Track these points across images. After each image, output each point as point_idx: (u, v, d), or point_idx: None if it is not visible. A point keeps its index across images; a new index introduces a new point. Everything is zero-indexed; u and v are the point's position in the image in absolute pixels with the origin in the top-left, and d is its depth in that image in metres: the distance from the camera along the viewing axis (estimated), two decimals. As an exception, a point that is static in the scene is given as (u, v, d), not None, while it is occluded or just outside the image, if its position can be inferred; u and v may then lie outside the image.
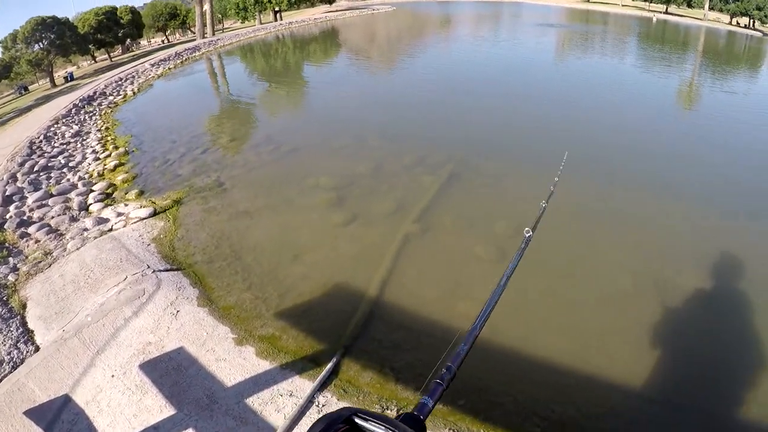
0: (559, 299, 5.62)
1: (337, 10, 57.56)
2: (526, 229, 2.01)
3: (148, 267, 6.09)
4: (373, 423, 0.79)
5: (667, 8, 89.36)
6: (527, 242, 1.93)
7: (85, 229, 7.35)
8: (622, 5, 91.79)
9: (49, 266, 6.47)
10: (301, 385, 4.25)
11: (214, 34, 42.86)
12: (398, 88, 18.01)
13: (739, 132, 12.14)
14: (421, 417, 1.02)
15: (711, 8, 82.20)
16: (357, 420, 0.79)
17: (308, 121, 13.70)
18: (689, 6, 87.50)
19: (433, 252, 6.51)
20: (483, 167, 9.19)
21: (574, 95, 15.78)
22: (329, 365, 4.48)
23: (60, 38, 29.79)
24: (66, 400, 4.22)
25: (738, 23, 77.30)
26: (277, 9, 54.88)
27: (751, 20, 76.07)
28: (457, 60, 23.78)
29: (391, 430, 0.78)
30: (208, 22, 43.43)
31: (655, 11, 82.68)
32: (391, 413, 3.98)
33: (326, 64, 23.86)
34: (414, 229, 6.93)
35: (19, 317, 5.49)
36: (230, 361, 4.54)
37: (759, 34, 63.07)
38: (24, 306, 5.71)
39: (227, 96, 19.10)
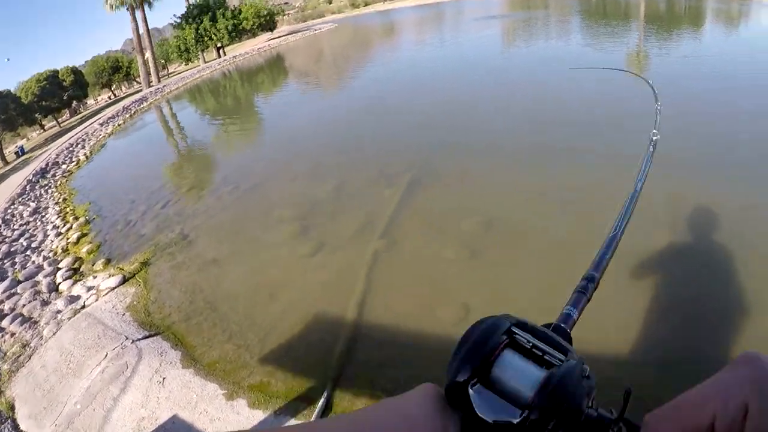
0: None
1: (279, 36, 57.55)
2: (653, 131, 1.97)
3: (127, 338, 6.02)
4: (528, 336, 0.73)
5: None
6: (654, 145, 1.88)
7: (58, 311, 7.23)
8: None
9: (29, 358, 6.36)
10: (299, 427, 4.24)
11: (159, 81, 42.60)
12: (349, 104, 18.07)
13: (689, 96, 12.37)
14: (568, 329, 0.96)
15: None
16: (514, 330, 0.73)
17: (264, 153, 13.72)
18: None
19: (403, 263, 6.55)
20: (441, 169, 9.26)
21: (523, 85, 15.82)
22: (321, 401, 4.47)
23: (4, 112, 29.39)
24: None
25: (676, -15, 78.47)
26: (219, 45, 54.76)
27: (687, -19, 77.25)
28: (404, 67, 23.93)
29: (547, 342, 0.72)
30: (152, 69, 43.17)
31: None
32: None
33: (276, 93, 23.87)
34: (381, 245, 6.95)
35: (10, 421, 5.39)
36: (224, 419, 4.51)
37: (696, -7, 64.02)
38: (12, 407, 5.60)
39: (181, 143, 19.02)
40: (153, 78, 42.80)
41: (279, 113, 19.03)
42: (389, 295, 5.94)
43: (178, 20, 56.00)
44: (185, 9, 56.57)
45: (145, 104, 30.72)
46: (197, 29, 53.69)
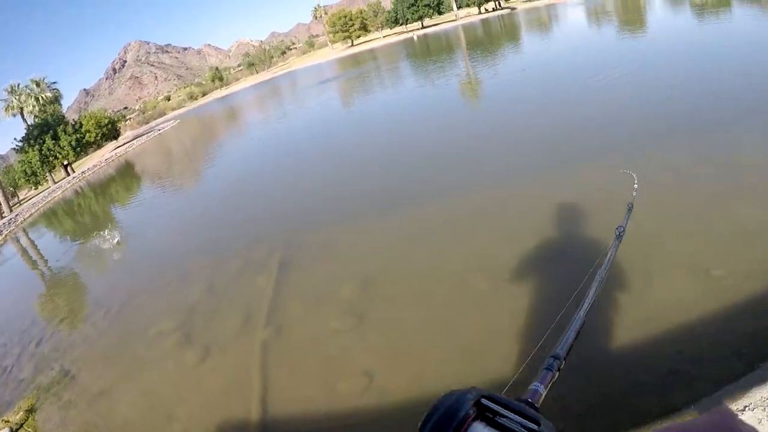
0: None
1: (125, 143, 55.96)
2: (620, 225, 2.09)
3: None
4: (500, 407, 0.73)
5: (422, 24, 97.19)
6: (620, 237, 2.00)
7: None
8: (383, 37, 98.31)
9: None
10: None
11: (11, 211, 39.76)
12: (203, 198, 18.03)
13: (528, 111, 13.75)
14: (536, 404, 0.97)
15: (459, 7, 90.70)
16: (484, 401, 0.73)
17: (130, 267, 13.20)
18: (439, 13, 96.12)
19: (294, 347, 6.48)
20: (306, 242, 9.42)
21: (369, 139, 16.86)
22: None
23: None
24: None
25: (486, 9, 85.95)
26: (66, 162, 52.32)
27: (497, 2, 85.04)
28: (252, 149, 24.48)
29: (520, 414, 0.72)
30: (2, 200, 40.29)
31: (412, 30, 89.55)
32: None
33: (132, 201, 23.15)
34: (268, 334, 6.85)
35: None
36: None
37: (508, 10, 70.61)
38: None
39: (46, 272, 17.79)
40: (4, 208, 40.05)
41: (137, 221, 18.59)
42: (289, 383, 5.83)
43: (20, 144, 53.76)
44: (25, 131, 54.09)
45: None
46: (41, 150, 51.44)
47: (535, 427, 0.68)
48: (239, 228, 12.04)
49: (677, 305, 5.03)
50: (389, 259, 7.88)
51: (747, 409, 3.57)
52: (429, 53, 38.16)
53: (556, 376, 1.10)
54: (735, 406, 3.66)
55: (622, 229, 2.32)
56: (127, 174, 35.12)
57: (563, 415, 4.23)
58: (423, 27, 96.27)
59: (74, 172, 52.48)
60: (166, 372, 7.06)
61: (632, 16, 31.09)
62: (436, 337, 5.73)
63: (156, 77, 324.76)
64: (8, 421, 7.38)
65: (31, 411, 7.48)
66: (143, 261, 12.97)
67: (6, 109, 55.93)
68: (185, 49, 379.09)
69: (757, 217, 6.12)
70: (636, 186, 3.48)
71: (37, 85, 57.82)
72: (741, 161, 7.64)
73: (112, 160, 47.40)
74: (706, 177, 7.54)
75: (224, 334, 7.32)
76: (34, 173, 52.24)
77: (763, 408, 3.53)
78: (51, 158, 51.72)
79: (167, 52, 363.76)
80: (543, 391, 1.03)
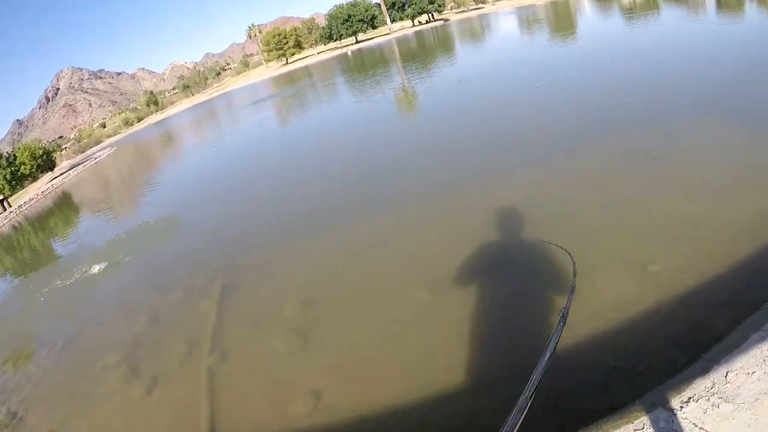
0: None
1: (61, 173, 53.91)
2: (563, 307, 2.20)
3: None
4: None
5: (356, 39, 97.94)
6: (564, 320, 1.89)
7: None
8: (318, 53, 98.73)
9: None
10: None
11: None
12: (142, 225, 17.52)
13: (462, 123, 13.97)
14: None
15: (393, 21, 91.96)
16: None
17: (71, 301, 12.66)
18: (373, 28, 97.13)
19: (241, 371, 6.43)
20: (247, 265, 9.40)
21: (304, 159, 16.82)
22: None
23: None
24: None
25: (420, 22, 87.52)
26: (1, 197, 50.13)
27: (430, 14, 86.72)
28: (189, 173, 24.17)
29: None
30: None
31: (347, 46, 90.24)
32: None
33: (70, 233, 22.37)
34: (214, 360, 6.79)
35: None
36: None
37: (441, 21, 72.11)
38: None
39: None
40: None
41: (79, 250, 17.96)
42: (238, 408, 5.79)
43: (-46, 179, 51.02)
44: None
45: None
46: (-25, 186, 49.20)
47: None
48: (179, 256, 11.92)
49: (617, 302, 5.25)
50: (329, 277, 7.98)
51: (691, 400, 3.54)
52: (364, 68, 38.43)
53: None
54: (679, 398, 3.62)
55: (565, 310, 2.27)
56: (65, 206, 33.97)
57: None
58: (357, 42, 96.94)
59: (10, 206, 50.25)
60: (114, 407, 6.92)
61: (563, 23, 32.03)
62: (381, 351, 5.83)
63: (90, 104, 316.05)
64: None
65: (-21, 457, 7.25)
66: (84, 295, 12.56)
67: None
68: (119, 74, 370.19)
69: (686, 211, 6.34)
70: (575, 268, 3.49)
71: (-32, 119, 55.49)
72: (668, 157, 8.02)
73: (49, 192, 45.63)
74: (638, 174, 7.88)
75: (170, 364, 7.23)
76: (-33, 211, 49.89)
77: (707, 398, 3.54)
78: (-19, 195, 49.58)
79: (101, 77, 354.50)
80: None
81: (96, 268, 14.36)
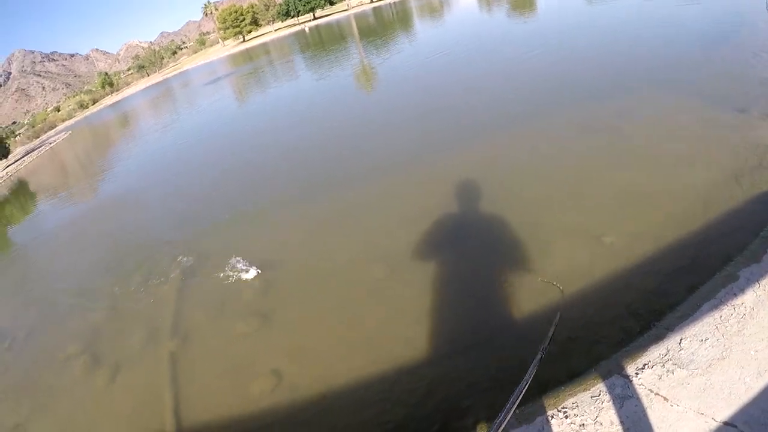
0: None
1: (16, 160, 52.14)
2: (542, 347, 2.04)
3: None
4: None
5: (314, 15, 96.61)
6: (539, 361, 1.83)
7: None
8: (275, 30, 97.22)
9: None
10: None
11: None
12: (101, 209, 17.09)
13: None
14: None
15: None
16: None
17: (28, 292, 12.27)
18: (331, 4, 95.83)
19: (203, 354, 6.43)
20: (207, 248, 9.28)
21: (261, 137, 16.86)
22: None
23: None
24: None
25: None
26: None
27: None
28: (148, 153, 23.73)
29: None
30: None
31: (304, 22, 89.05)
32: None
33: (27, 221, 21.73)
34: (175, 345, 6.78)
35: None
36: None
37: (399, -2, 71.31)
38: None
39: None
40: None
41: (34, 239, 17.40)
42: (201, 391, 5.79)
43: None
44: None
45: None
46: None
47: None
48: (138, 239, 11.61)
49: (573, 273, 5.27)
50: (288, 256, 7.97)
51: (646, 367, 3.60)
52: (322, 44, 37.90)
53: None
54: (634, 365, 3.68)
55: (545, 348, 2.22)
56: (21, 193, 32.91)
57: (470, 389, 4.40)
58: (315, 18, 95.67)
59: (-36, 197, 48.43)
60: (78, 396, 6.82)
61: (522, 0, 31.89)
62: (341, 328, 5.87)
63: (44, 87, 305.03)
64: None
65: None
66: (41, 284, 12.25)
67: None
68: (72, 55, 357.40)
69: (640, 183, 6.49)
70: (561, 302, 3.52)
71: None
72: (619, 130, 8.18)
73: (3, 181, 44.01)
74: (588, 147, 8.07)
75: (132, 351, 7.16)
76: None
77: (662, 364, 3.60)
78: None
79: (54, 60, 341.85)
80: None
81: (53, 255, 14.13)
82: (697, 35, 12.07)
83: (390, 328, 5.55)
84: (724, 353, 3.57)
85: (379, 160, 10.66)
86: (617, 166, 7.13)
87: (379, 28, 35.23)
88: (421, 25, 32.68)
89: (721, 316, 3.88)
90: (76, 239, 14.77)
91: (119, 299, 8.84)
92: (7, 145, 58.33)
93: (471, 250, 6.29)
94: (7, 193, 35.25)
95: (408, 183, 9.01)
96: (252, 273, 7.68)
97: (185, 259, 9.13)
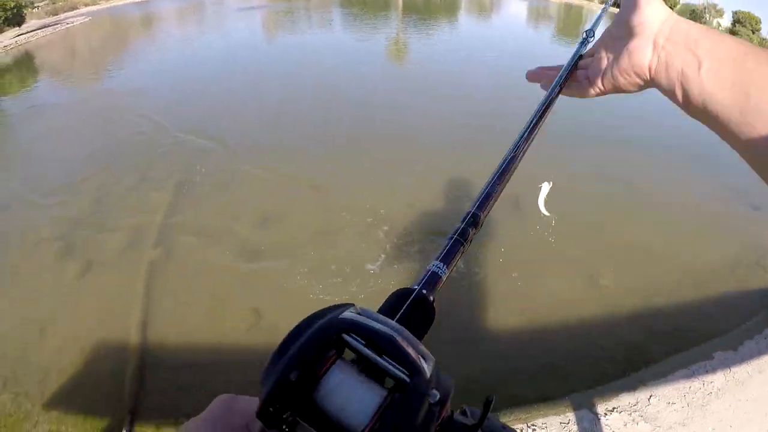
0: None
1: (28, 32, 50.69)
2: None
3: None
4: (363, 347, 0.49)
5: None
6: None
7: None
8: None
9: None
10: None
11: None
12: (107, 95, 16.66)
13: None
14: (431, 296, 0.65)
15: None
16: (346, 337, 0.50)
17: (11, 166, 11.50)
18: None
19: (183, 274, 6.37)
20: (213, 168, 9.08)
21: (285, 77, 16.36)
22: (123, 439, 4.25)
23: None
24: None
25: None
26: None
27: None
28: (164, 60, 22.82)
29: (388, 354, 0.49)
30: None
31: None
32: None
33: (24, 94, 21.13)
34: (157, 255, 6.68)
35: None
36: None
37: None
38: None
39: None
40: None
41: (28, 116, 16.54)
42: (174, 311, 5.74)
43: None
44: None
45: None
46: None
47: (405, 378, 0.48)
48: (142, 139, 11.14)
49: (563, 304, 5.51)
50: (292, 200, 7.94)
51: (615, 411, 3.96)
52: (364, 6, 37.39)
53: (468, 247, 0.79)
54: (605, 405, 4.04)
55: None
56: (24, 65, 31.92)
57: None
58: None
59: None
60: (42, 284, 6.55)
61: (571, 25, 31.90)
62: (325, 277, 6.04)
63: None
64: None
65: None
66: (27, 161, 11.50)
67: None
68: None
69: (646, 241, 6.77)
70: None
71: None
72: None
73: (11, 48, 42.77)
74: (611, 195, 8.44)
75: (110, 250, 6.96)
76: None
77: (629, 413, 3.96)
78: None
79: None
80: (445, 272, 0.71)
81: (43, 133, 13.39)
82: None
83: (372, 276, 5.90)
84: (685, 420, 3.95)
85: (390, 126, 10.92)
86: (631, 220, 7.59)
87: (423, 8, 34.92)
88: (466, 18, 32.48)
89: (690, 387, 4.27)
90: (71, 125, 13.98)
91: (107, 195, 8.52)
92: (23, 13, 56.34)
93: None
94: (10, 62, 34.39)
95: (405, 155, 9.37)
96: (247, 208, 7.67)
97: (186, 173, 8.86)
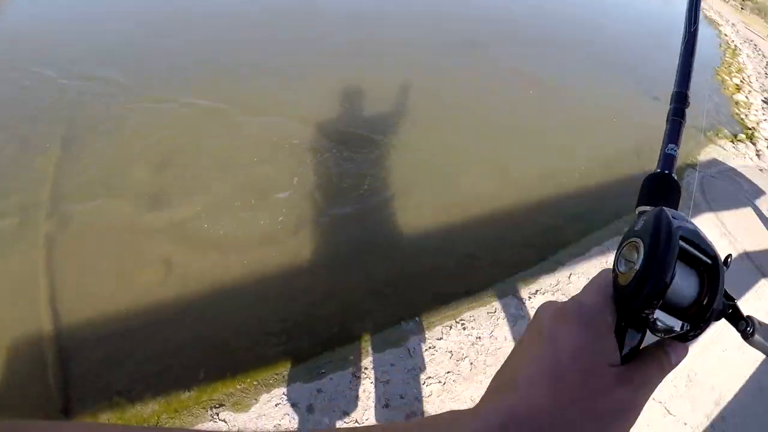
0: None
1: None
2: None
3: None
4: (688, 245, 0.60)
5: None
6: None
7: None
8: None
9: None
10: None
11: None
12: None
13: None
14: (674, 173, 0.84)
15: None
16: (682, 243, 0.59)
17: None
18: None
19: (84, 237, 5.77)
20: (97, 115, 7.82)
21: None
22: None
23: None
24: None
25: None
26: None
27: None
28: None
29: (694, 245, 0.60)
30: None
31: None
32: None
33: None
34: (52, 226, 5.98)
35: None
36: None
37: None
38: None
39: None
40: None
41: None
42: (82, 280, 5.26)
43: None
44: None
45: None
46: None
47: (708, 262, 0.60)
48: (16, 97, 8.88)
49: (478, 198, 5.55)
50: (190, 137, 7.19)
51: (538, 293, 4.02)
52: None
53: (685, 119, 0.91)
54: (527, 290, 4.09)
55: None
56: None
57: (370, 294, 4.46)
58: None
59: None
60: None
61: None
62: (236, 218, 5.72)
63: None
64: None
65: None
66: None
67: None
68: None
69: (558, 132, 6.95)
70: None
71: None
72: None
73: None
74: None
75: (1, 232, 6.13)
76: None
77: (552, 293, 4.04)
78: None
79: None
80: (677, 152, 0.88)
81: None
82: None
83: (288, 220, 5.58)
84: (605, 292, 4.09)
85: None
86: (545, 115, 7.71)
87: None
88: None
89: (607, 262, 4.42)
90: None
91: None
92: None
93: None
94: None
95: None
96: (144, 150, 6.82)
97: (69, 128, 7.58)
